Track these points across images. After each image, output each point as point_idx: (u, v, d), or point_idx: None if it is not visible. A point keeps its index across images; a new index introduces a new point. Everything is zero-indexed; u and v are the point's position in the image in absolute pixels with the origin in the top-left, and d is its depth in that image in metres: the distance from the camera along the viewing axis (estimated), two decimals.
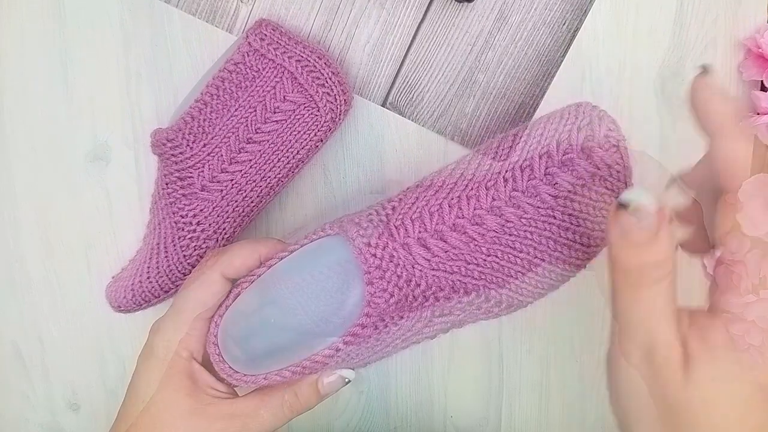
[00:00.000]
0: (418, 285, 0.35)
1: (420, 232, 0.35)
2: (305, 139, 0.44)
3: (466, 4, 0.45)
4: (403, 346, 0.39)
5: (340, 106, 0.44)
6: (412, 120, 0.47)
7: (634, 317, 0.29)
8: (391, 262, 0.35)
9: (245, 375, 0.37)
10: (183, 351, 0.39)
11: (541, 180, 0.34)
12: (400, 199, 0.38)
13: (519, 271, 0.36)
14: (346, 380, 0.39)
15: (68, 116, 0.49)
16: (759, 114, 0.45)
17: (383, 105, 0.47)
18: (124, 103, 0.49)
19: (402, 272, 0.35)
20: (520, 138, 0.36)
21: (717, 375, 0.29)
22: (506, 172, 0.35)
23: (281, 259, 0.38)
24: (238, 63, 0.43)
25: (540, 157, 0.35)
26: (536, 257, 0.36)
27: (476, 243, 0.35)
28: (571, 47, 0.46)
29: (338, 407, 0.54)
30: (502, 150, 0.36)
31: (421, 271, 0.35)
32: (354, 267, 0.35)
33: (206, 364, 0.40)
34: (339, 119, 0.45)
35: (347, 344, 0.35)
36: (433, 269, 0.35)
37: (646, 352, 0.29)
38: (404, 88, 0.47)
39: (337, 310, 0.35)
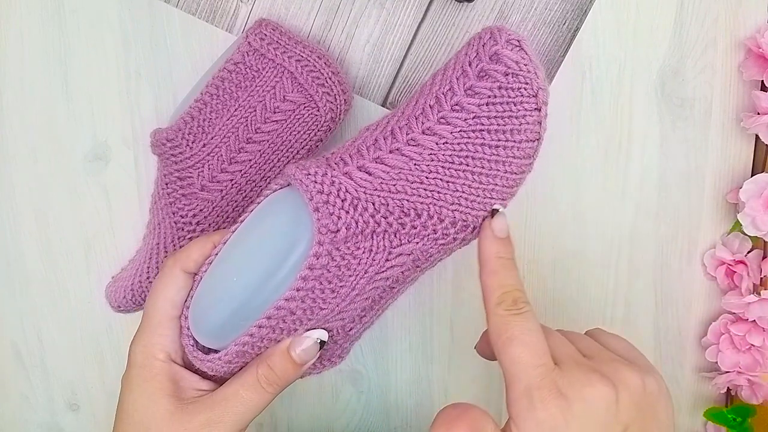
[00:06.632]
0: (366, 209, 0.36)
1: (358, 161, 0.37)
2: (305, 139, 0.44)
3: (466, 4, 0.45)
4: (374, 289, 0.38)
5: (340, 106, 0.44)
6: None
7: None
8: (333, 185, 0.36)
9: (219, 352, 0.37)
10: (159, 353, 0.38)
11: (463, 95, 0.37)
12: (340, 146, 0.39)
13: (464, 183, 0.37)
14: (319, 342, 0.37)
15: (68, 116, 0.49)
16: (759, 114, 0.45)
17: (383, 105, 0.47)
18: (124, 103, 0.49)
19: (346, 196, 0.36)
20: (439, 72, 0.39)
21: None
22: (431, 100, 0.38)
23: (234, 231, 0.38)
24: (238, 63, 0.43)
25: (458, 79, 0.37)
26: (476, 166, 0.37)
27: (416, 162, 0.37)
28: (571, 47, 0.46)
29: (338, 407, 0.54)
30: (426, 88, 0.39)
31: (365, 193, 0.36)
32: (301, 202, 0.36)
33: (189, 365, 0.39)
34: (339, 119, 0.44)
35: (305, 279, 0.35)
36: (377, 190, 0.36)
37: None
38: (404, 88, 0.47)
39: (292, 247, 0.36)
